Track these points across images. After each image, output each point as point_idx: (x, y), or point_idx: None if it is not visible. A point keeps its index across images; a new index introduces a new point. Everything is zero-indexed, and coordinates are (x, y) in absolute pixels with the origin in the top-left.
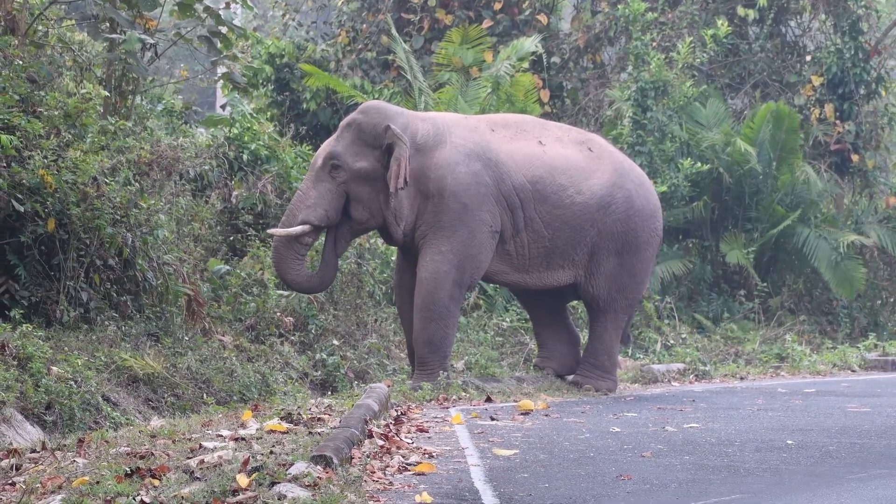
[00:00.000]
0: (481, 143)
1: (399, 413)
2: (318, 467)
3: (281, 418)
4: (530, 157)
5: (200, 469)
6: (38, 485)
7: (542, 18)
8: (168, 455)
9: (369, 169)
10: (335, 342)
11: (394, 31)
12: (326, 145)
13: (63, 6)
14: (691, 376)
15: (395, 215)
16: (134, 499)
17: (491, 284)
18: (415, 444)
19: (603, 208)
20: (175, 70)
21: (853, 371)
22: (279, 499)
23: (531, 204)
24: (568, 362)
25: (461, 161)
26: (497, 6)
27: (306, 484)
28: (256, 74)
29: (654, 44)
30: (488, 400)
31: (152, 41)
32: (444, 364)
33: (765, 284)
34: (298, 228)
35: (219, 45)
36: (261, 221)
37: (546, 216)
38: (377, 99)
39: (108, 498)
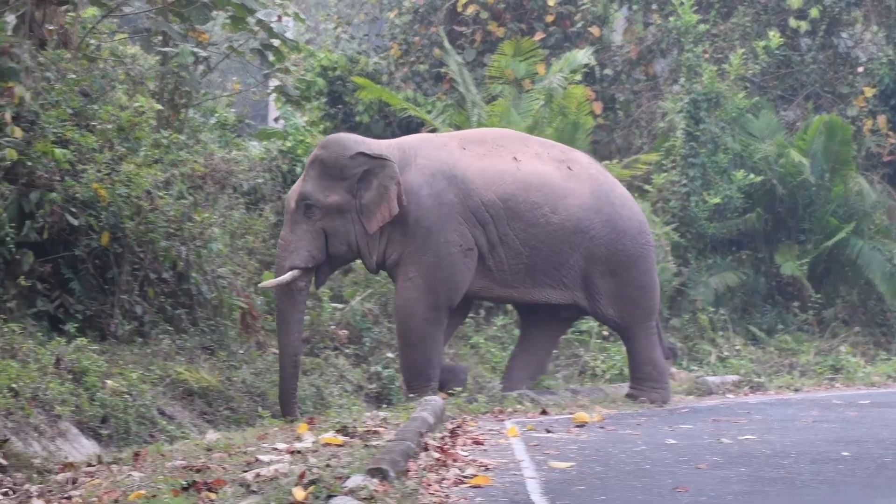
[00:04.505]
0: (448, 161)
1: (454, 426)
2: (375, 480)
3: (336, 431)
4: (502, 174)
5: (257, 482)
6: (94, 499)
7: (595, 30)
8: (224, 468)
9: (341, 202)
10: (390, 355)
11: (446, 44)
12: (296, 187)
13: (116, 20)
14: (746, 388)
15: (367, 245)
16: None
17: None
18: (470, 457)
19: (581, 232)
20: (227, 83)
21: None
22: None
23: (503, 220)
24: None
25: (423, 184)
26: (549, 18)
27: (363, 497)
28: (309, 87)
29: (707, 55)
30: (543, 412)
31: (205, 54)
32: (430, 385)
33: (819, 296)
34: (288, 276)
35: (271, 57)
36: None
37: (521, 233)
38: (430, 112)
39: None
